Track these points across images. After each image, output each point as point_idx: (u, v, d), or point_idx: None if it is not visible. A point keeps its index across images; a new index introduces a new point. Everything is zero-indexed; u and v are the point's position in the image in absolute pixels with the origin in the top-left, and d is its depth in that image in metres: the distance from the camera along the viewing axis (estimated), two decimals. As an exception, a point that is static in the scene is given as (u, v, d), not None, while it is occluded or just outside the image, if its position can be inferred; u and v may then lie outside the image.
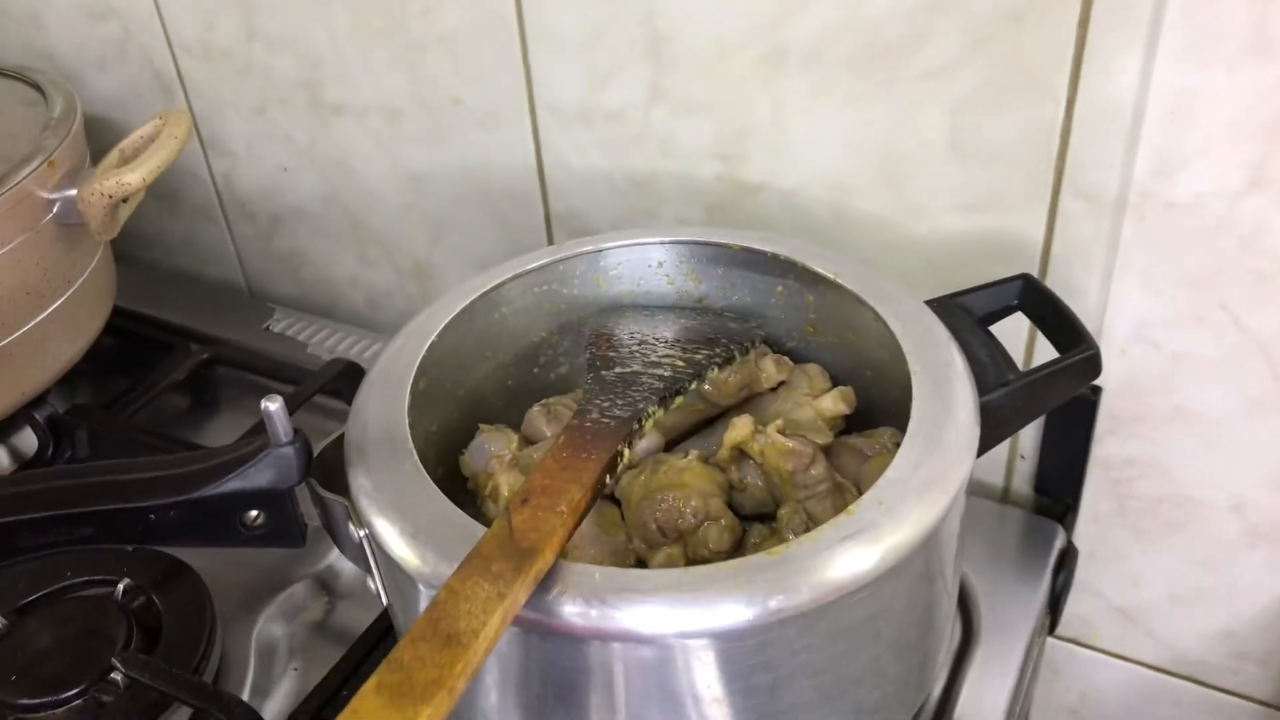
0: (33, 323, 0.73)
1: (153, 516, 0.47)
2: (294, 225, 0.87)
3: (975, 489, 0.71)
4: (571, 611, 0.39)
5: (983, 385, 0.49)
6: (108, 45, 0.85)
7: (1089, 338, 0.51)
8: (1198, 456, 0.63)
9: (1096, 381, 0.62)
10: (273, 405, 0.46)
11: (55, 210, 0.72)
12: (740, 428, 0.51)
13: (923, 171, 0.61)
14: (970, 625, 0.61)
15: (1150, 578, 0.70)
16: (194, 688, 0.58)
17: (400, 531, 0.43)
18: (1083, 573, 0.71)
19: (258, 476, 0.47)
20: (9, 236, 0.70)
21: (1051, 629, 0.66)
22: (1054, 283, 0.61)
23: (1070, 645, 0.76)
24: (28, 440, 0.78)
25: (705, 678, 0.41)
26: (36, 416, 0.78)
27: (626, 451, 0.47)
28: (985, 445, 0.49)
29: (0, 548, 0.47)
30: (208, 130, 0.86)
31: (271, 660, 0.64)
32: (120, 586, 0.65)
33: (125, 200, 0.72)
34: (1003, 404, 0.49)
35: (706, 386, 0.56)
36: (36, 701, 0.59)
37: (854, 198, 0.64)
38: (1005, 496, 0.71)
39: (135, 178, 0.69)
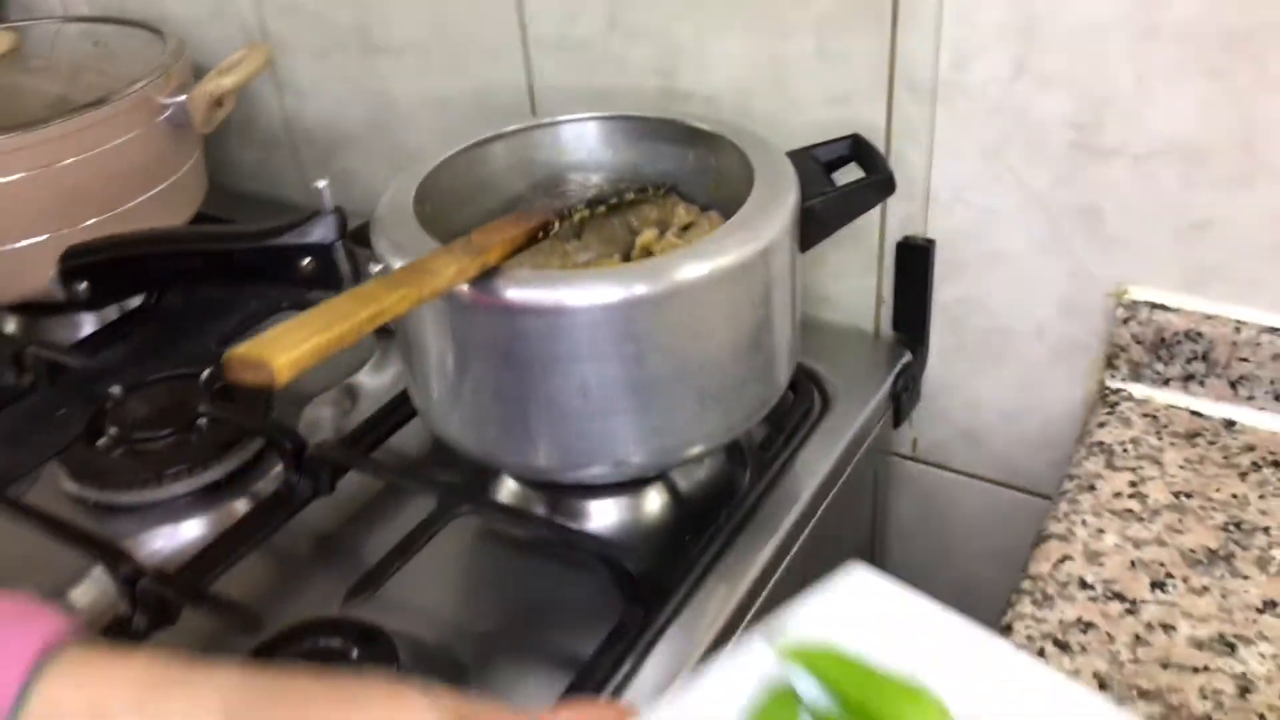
0: (141, 199, 0.98)
1: (237, 256, 0.69)
2: (346, 149, 1.12)
3: (851, 331, 0.92)
4: (508, 289, 0.62)
5: (809, 195, 0.71)
6: (208, 5, 1.11)
7: (886, 168, 0.73)
8: (1007, 292, 0.84)
9: (930, 235, 0.85)
10: (321, 184, 0.69)
11: (168, 113, 0.97)
12: (648, 234, 0.74)
13: (799, 77, 0.84)
14: (826, 402, 0.82)
15: (985, 401, 0.90)
16: (260, 423, 0.81)
17: (400, 257, 0.65)
18: (937, 402, 0.92)
19: (310, 233, 0.70)
20: (130, 128, 0.95)
21: (895, 423, 0.87)
22: (893, 156, 0.82)
23: (932, 469, 0.96)
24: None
25: (591, 339, 0.63)
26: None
27: (556, 224, 0.70)
28: (815, 238, 0.72)
29: (139, 276, 0.70)
30: (282, 73, 1.11)
31: (314, 431, 0.87)
32: (205, 374, 0.88)
33: (221, 104, 0.96)
34: (822, 206, 0.71)
35: (632, 219, 0.78)
36: (146, 434, 0.83)
37: (753, 100, 0.87)
38: (876, 336, 0.92)
39: (229, 81, 0.93)
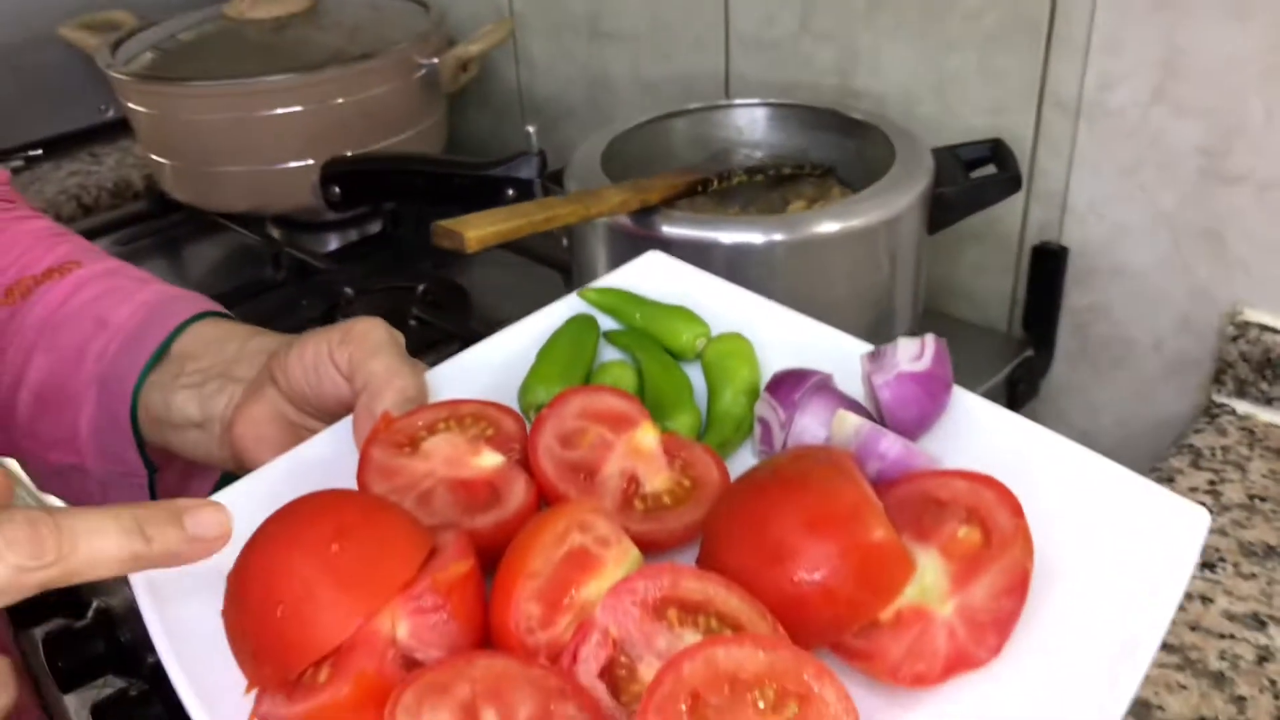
0: (390, 141, 1.16)
1: (457, 181, 0.85)
2: (566, 121, 1.28)
3: (985, 329, 1.00)
4: (663, 224, 0.75)
5: (942, 183, 0.81)
6: (469, -12, 1.29)
7: (1017, 169, 0.82)
8: (1131, 304, 0.91)
9: (1065, 243, 0.92)
10: (530, 128, 0.84)
11: (422, 72, 1.15)
12: (798, 204, 0.86)
13: (960, 88, 0.93)
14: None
15: (1101, 406, 0.97)
16: (459, 328, 0.97)
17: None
18: (1058, 403, 0.99)
19: (517, 168, 0.85)
20: (390, 80, 1.13)
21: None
22: (1037, 167, 0.91)
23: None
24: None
25: (729, 278, 0.75)
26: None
27: (715, 182, 0.82)
28: (944, 222, 0.82)
29: (379, 188, 0.87)
30: (520, 49, 1.28)
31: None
32: (420, 287, 1.05)
33: (465, 68, 1.14)
34: (953, 194, 0.81)
35: (789, 194, 0.90)
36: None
37: (917, 105, 0.96)
38: (1009, 334, 1.00)
39: (475, 48, 1.11)
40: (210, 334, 0.65)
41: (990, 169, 0.86)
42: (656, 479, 0.46)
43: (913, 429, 0.50)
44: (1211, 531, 0.74)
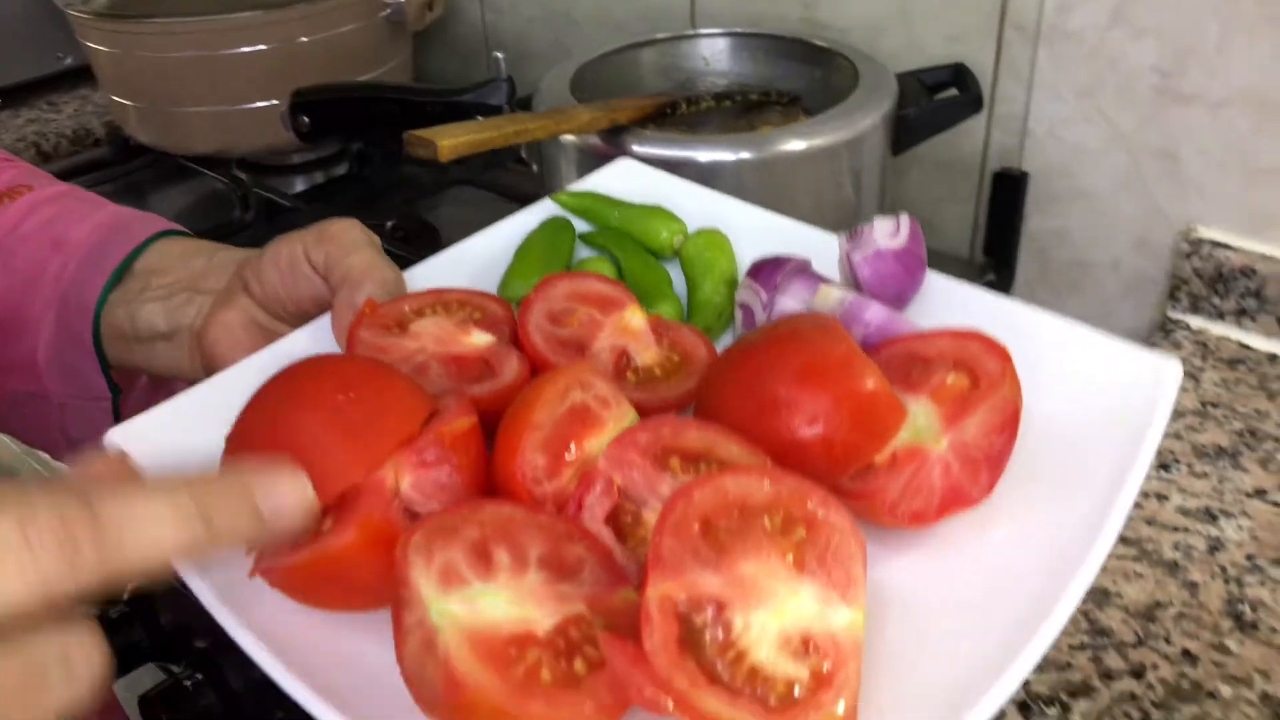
0: (355, 80, 1.16)
1: (428, 108, 0.86)
2: (532, 62, 1.28)
3: (948, 256, 1.02)
4: (633, 143, 0.76)
5: (905, 105, 0.83)
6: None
7: (978, 90, 0.84)
8: (1089, 227, 0.93)
9: (1024, 168, 0.94)
10: (499, 55, 0.84)
11: (387, 11, 1.15)
12: (765, 128, 0.87)
13: (923, 16, 0.94)
14: (906, 301, 0.93)
15: (1061, 328, 0.99)
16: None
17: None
18: (1018, 327, 1.01)
19: (486, 95, 0.85)
20: (355, 19, 1.13)
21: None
22: (998, 93, 0.92)
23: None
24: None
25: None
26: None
27: (683, 105, 0.83)
28: (908, 143, 0.83)
29: (349, 118, 0.87)
30: (485, -9, 1.28)
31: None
32: (389, 224, 1.06)
33: (431, 7, 1.14)
34: (915, 115, 0.83)
35: (755, 120, 0.91)
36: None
37: (881, 35, 0.98)
38: (970, 261, 1.02)
39: (441, -16, 1.11)
40: (174, 250, 0.64)
41: (952, 92, 0.88)
42: (646, 354, 0.47)
43: (892, 305, 0.51)
44: (1166, 435, 0.76)
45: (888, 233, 0.51)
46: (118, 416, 0.66)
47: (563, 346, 0.47)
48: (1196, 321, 0.89)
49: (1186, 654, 0.61)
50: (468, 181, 1.15)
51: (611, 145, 0.76)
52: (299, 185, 1.21)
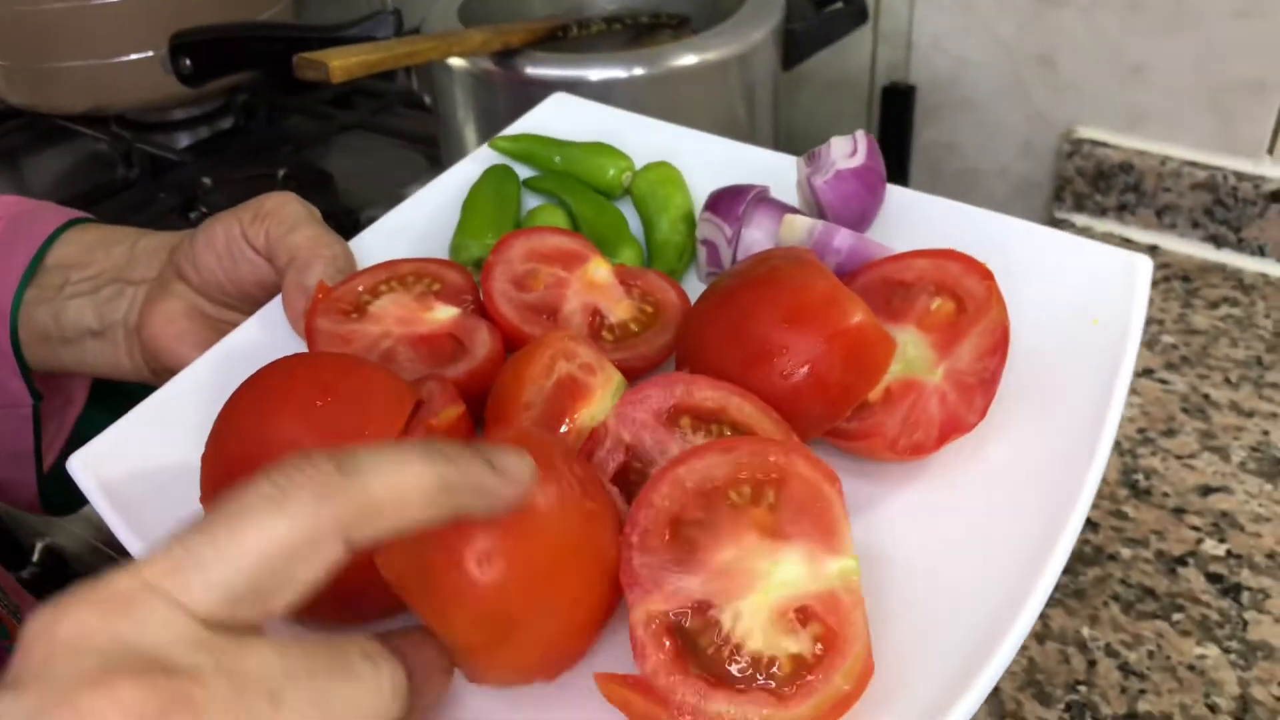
0: (240, 30, 1.12)
1: (313, 45, 0.84)
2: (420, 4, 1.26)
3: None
4: (526, 65, 0.75)
5: (793, 20, 0.84)
6: None
7: (862, 2, 0.85)
8: (976, 136, 0.96)
9: (912, 81, 0.96)
10: (385, -15, 0.83)
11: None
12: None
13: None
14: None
15: (954, 238, 1.02)
16: (328, 207, 0.96)
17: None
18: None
19: (373, 28, 0.84)
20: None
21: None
22: (883, 7, 0.94)
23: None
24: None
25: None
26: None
27: (575, 29, 0.83)
28: (798, 58, 0.84)
29: (232, 57, 0.85)
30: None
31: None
32: (281, 172, 1.03)
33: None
34: (802, 29, 0.84)
35: (646, 43, 0.91)
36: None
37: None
38: (861, 178, 1.04)
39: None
40: (89, 240, 0.59)
41: (838, 5, 0.89)
42: (618, 309, 0.46)
43: (857, 224, 0.50)
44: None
45: (845, 152, 0.50)
46: (38, 424, 0.61)
47: (533, 312, 0.45)
48: (1081, 219, 0.92)
49: (1089, 522, 0.64)
50: (358, 126, 1.13)
51: (504, 69, 0.76)
52: (184, 140, 1.17)
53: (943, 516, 0.39)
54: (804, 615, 0.32)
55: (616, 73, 0.75)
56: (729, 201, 0.49)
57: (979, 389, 0.40)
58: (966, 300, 0.41)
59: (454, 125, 0.83)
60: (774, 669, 0.31)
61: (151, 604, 0.25)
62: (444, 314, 0.45)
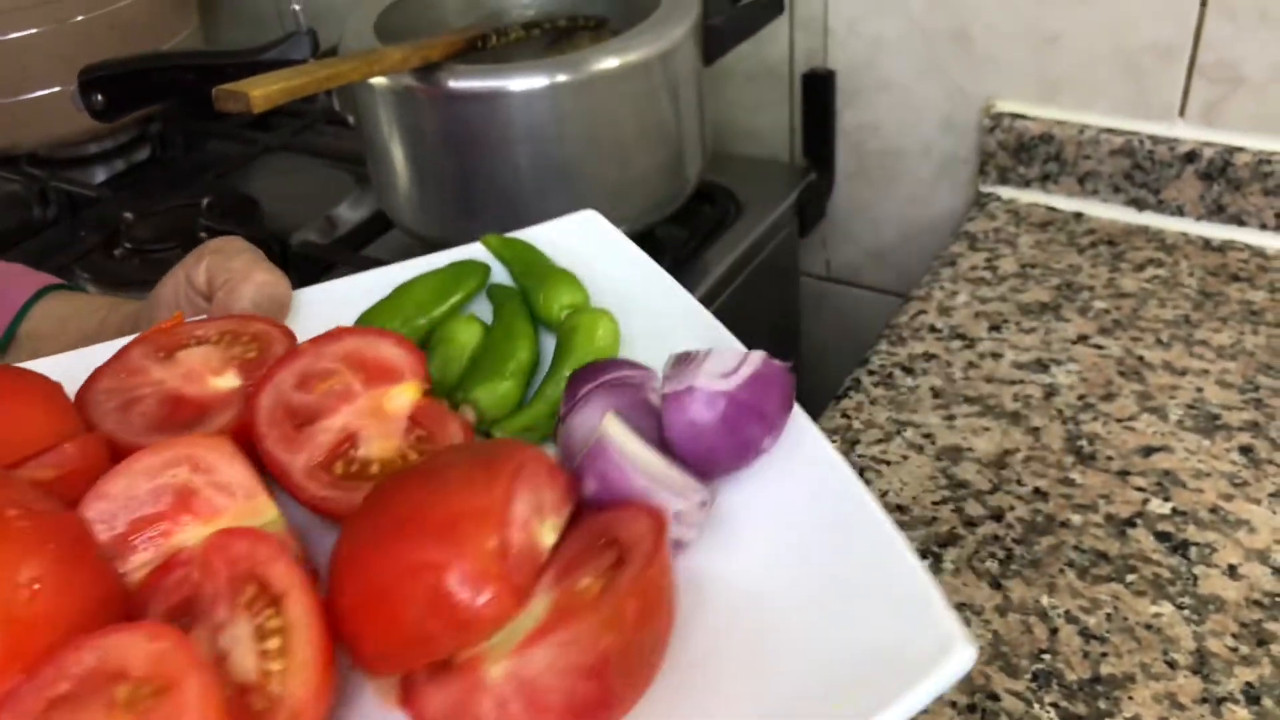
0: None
1: (228, 71, 0.82)
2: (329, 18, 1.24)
3: (769, 161, 1.05)
4: (448, 79, 0.75)
5: (711, 14, 0.84)
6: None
7: (780, -7, 0.86)
8: (898, 116, 0.97)
9: (830, 66, 0.97)
10: (296, 6, 0.82)
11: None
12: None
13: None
14: (739, 210, 0.95)
15: (884, 219, 1.03)
16: (255, 233, 0.95)
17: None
18: (845, 225, 1.05)
19: (289, 50, 0.82)
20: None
21: (802, 233, 1.00)
22: (796, -6, 0.95)
23: (844, 286, 1.09)
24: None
25: (522, 122, 0.76)
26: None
27: (494, 38, 0.83)
28: (718, 52, 0.85)
29: (145, 89, 0.83)
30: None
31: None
32: (205, 201, 1.02)
33: (213, -31, 1.09)
34: (722, 23, 0.84)
35: (566, 48, 0.91)
36: (156, 247, 0.97)
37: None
38: (791, 163, 1.05)
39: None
40: (62, 310, 0.59)
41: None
42: (378, 444, 0.41)
43: (700, 463, 0.39)
44: (993, 299, 0.81)
45: (720, 369, 0.40)
46: None
47: (286, 413, 0.41)
48: (1006, 192, 0.94)
49: (1038, 492, 0.65)
50: (281, 148, 1.12)
51: (426, 84, 0.75)
52: (100, 175, 1.15)
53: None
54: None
55: (539, 80, 0.75)
56: (587, 375, 0.42)
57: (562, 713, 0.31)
58: (608, 590, 0.33)
59: (379, 143, 0.82)
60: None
61: None
62: (224, 383, 0.43)
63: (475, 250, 0.54)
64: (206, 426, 0.41)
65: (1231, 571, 0.59)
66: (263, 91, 0.60)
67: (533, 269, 0.52)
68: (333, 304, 0.50)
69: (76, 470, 0.37)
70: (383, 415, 0.42)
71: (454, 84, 0.75)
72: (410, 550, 0.32)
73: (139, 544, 0.36)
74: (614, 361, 0.43)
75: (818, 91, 0.98)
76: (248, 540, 0.34)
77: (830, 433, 0.70)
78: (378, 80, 0.76)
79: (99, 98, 0.83)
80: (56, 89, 1.06)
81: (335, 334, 0.44)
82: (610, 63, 0.76)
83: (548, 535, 0.35)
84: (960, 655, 0.31)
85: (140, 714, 0.29)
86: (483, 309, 0.52)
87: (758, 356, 0.40)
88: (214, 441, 0.38)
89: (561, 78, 0.75)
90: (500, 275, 0.54)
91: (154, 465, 0.37)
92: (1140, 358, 0.74)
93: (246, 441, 0.39)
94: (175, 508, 0.36)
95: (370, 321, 0.49)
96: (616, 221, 0.83)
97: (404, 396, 0.42)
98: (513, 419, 0.45)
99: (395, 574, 0.32)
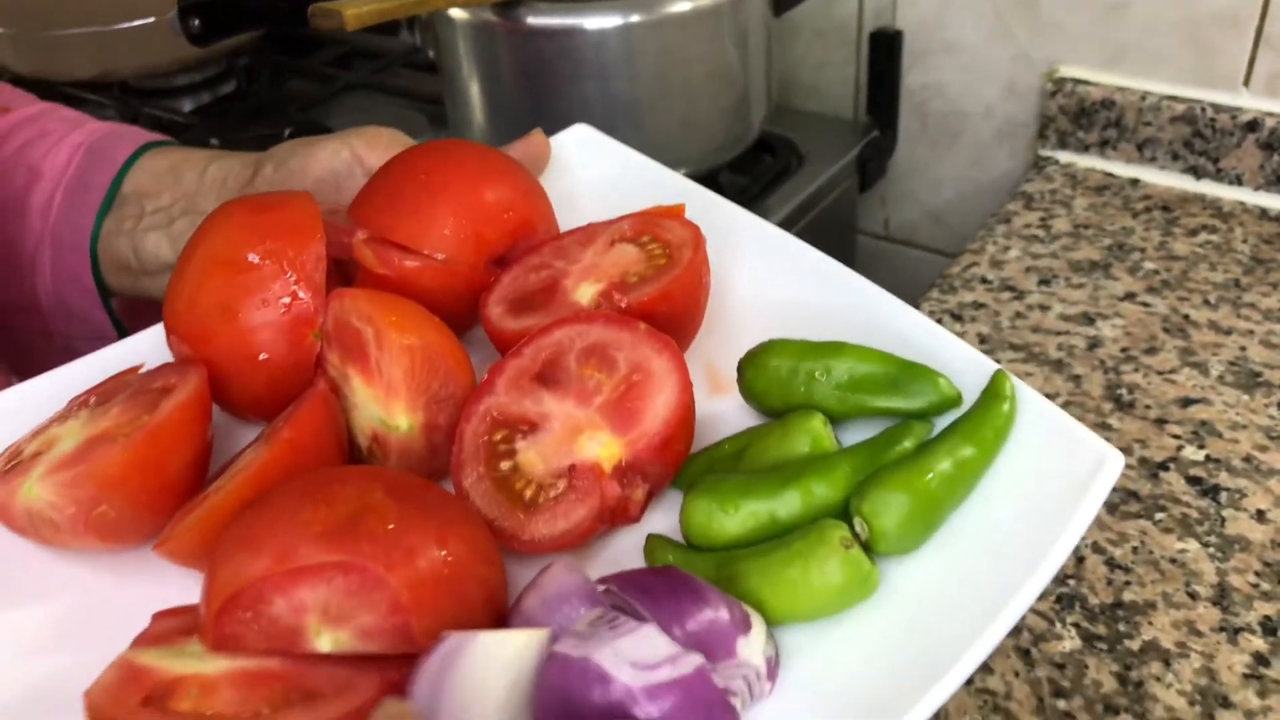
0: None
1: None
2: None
3: (832, 118, 1.07)
4: (527, 16, 0.78)
5: (784, -34, 0.86)
6: None
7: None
8: (962, 78, 0.99)
9: (899, 26, 0.99)
10: (387, -58, 0.85)
11: (260, -81, 1.13)
12: None
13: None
14: (800, 161, 0.98)
15: (944, 180, 1.05)
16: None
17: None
18: (905, 184, 1.07)
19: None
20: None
21: (861, 188, 1.03)
22: (868, -47, 0.97)
23: (902, 246, 1.11)
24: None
25: (595, 59, 0.79)
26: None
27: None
28: (788, 4, 0.87)
29: (240, 14, 0.87)
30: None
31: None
32: (286, 132, 1.06)
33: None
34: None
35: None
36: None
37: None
38: (855, 120, 1.07)
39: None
40: (161, 165, 0.59)
41: (826, -46, 0.92)
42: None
43: None
44: (1044, 255, 0.83)
45: (639, 654, 0.30)
46: None
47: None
48: (1065, 156, 0.95)
49: (1074, 434, 0.67)
50: (360, 86, 1.16)
51: (505, 19, 0.79)
52: (188, 105, 1.20)
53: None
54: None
55: (613, 19, 0.78)
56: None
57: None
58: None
59: (459, 80, 0.86)
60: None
61: None
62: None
63: None
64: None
65: (1260, 516, 0.61)
66: (355, 11, 0.63)
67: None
68: None
69: None
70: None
71: (532, 20, 0.78)
72: None
73: None
74: (583, 586, 0.34)
75: (884, 50, 1.00)
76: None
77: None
78: (458, 14, 0.80)
79: (196, 22, 0.87)
80: (151, 19, 1.10)
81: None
82: (682, 6, 0.79)
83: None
84: (1114, 463, 0.38)
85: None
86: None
87: (691, 664, 0.30)
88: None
89: (635, 17, 0.78)
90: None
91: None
92: (1186, 316, 0.76)
93: None
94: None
95: None
96: (679, 161, 0.86)
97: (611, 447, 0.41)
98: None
99: None
